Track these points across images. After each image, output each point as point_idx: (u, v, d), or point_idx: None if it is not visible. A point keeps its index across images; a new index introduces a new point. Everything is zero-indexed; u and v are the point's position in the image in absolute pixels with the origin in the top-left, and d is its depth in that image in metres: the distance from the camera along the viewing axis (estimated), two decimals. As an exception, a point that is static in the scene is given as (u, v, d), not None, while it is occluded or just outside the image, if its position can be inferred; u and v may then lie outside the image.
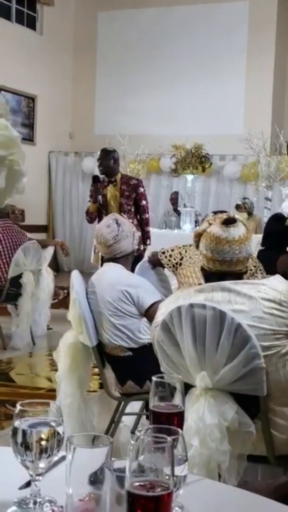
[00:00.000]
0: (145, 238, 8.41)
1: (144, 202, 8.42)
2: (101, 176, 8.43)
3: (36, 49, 15.45)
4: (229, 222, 3.08)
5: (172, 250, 4.81)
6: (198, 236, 3.16)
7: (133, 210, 8.34)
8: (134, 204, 8.35)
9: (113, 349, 4.48)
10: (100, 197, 8.27)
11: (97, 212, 8.37)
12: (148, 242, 8.47)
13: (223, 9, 15.23)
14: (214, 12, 15.26)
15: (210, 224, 3.13)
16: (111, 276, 4.53)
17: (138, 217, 8.44)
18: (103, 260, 4.84)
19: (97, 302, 4.47)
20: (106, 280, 4.51)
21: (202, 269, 3.18)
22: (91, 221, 8.55)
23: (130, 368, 4.46)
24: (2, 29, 14.65)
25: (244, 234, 3.10)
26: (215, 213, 3.34)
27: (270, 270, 4.92)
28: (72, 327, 4.55)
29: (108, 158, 8.34)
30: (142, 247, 8.18)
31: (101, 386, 5.14)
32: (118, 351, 4.48)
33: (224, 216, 3.14)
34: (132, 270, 4.87)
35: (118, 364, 4.51)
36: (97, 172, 8.78)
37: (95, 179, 8.41)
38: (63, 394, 4.46)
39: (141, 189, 8.41)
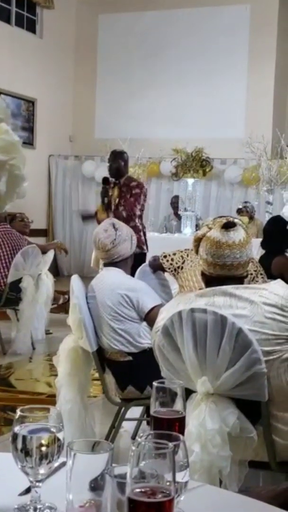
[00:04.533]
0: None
1: (131, 199, 8.19)
2: (111, 179, 8.40)
3: (36, 53, 15.45)
4: (229, 226, 3.07)
5: (174, 254, 4.81)
6: (198, 241, 3.15)
7: None
8: None
9: (113, 354, 4.47)
10: (106, 198, 8.26)
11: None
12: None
13: (224, 12, 15.24)
14: (215, 15, 15.27)
15: (209, 228, 3.11)
16: (111, 280, 4.52)
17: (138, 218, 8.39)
18: (103, 265, 4.83)
19: (97, 307, 4.46)
20: (105, 284, 4.51)
21: (203, 274, 3.16)
22: (99, 222, 8.45)
23: (131, 373, 4.44)
24: (2, 32, 14.66)
25: (244, 238, 3.09)
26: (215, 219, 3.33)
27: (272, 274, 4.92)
28: (72, 332, 4.54)
29: (117, 161, 8.34)
30: None
31: (102, 391, 5.13)
32: (118, 356, 4.47)
33: (223, 220, 3.13)
34: (132, 274, 4.86)
35: (118, 369, 4.49)
36: (97, 175, 8.77)
37: (105, 180, 8.38)
38: (63, 400, 4.45)
39: (137, 190, 8.31)
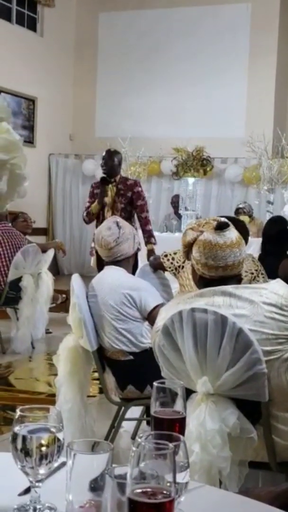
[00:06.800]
0: (147, 236, 8.42)
1: (140, 202, 8.40)
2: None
3: (36, 51, 15.44)
4: (223, 226, 3.05)
5: (175, 253, 4.82)
6: (189, 246, 3.12)
7: (128, 209, 8.36)
8: (130, 204, 8.36)
9: (114, 353, 4.47)
10: (106, 198, 8.31)
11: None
12: (153, 241, 8.46)
13: (225, 11, 15.23)
14: (216, 14, 15.26)
15: (200, 232, 3.07)
16: (113, 279, 4.51)
17: (136, 216, 8.46)
18: (103, 264, 4.81)
19: (98, 306, 4.45)
20: (108, 283, 4.50)
21: (201, 277, 3.12)
22: (89, 222, 8.57)
23: (131, 372, 4.44)
24: (3, 30, 14.64)
25: (238, 235, 3.09)
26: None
27: (271, 275, 4.91)
28: (72, 331, 4.53)
29: (112, 159, 8.40)
30: (148, 246, 8.24)
31: (101, 391, 5.12)
32: (119, 355, 4.46)
33: (211, 221, 3.10)
34: (133, 273, 4.86)
35: (119, 369, 4.49)
36: (98, 173, 8.80)
37: (104, 180, 8.41)
38: (63, 399, 4.44)
39: (138, 188, 8.42)
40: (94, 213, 8.42)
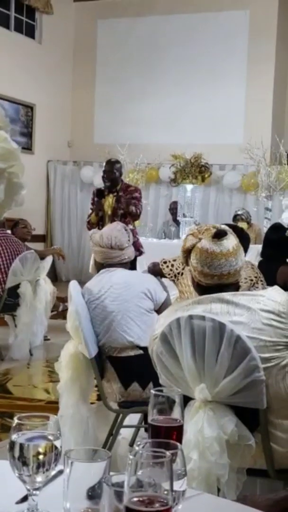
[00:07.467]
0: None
1: (134, 201, 8.41)
2: (103, 187, 8.51)
3: (35, 58, 15.44)
4: (221, 235, 3.05)
5: (174, 260, 4.84)
6: (187, 252, 3.12)
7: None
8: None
9: (123, 349, 4.50)
10: (100, 212, 8.36)
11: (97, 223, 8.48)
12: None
13: (223, 17, 15.23)
14: (214, 21, 15.27)
15: (199, 239, 3.07)
16: (127, 278, 4.61)
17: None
18: (102, 267, 4.80)
19: (104, 308, 4.49)
20: (122, 282, 4.58)
21: (199, 285, 3.12)
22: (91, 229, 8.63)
23: (138, 367, 4.45)
24: (1, 37, 14.64)
25: (236, 243, 3.08)
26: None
27: (271, 281, 4.92)
28: (72, 338, 4.54)
29: (113, 171, 8.44)
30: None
31: (99, 398, 5.11)
32: (128, 351, 4.49)
33: (211, 228, 3.09)
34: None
35: (125, 366, 4.51)
36: (96, 180, 8.84)
37: (100, 193, 8.45)
38: (65, 405, 4.44)
39: (137, 194, 8.46)
40: (93, 223, 8.50)
